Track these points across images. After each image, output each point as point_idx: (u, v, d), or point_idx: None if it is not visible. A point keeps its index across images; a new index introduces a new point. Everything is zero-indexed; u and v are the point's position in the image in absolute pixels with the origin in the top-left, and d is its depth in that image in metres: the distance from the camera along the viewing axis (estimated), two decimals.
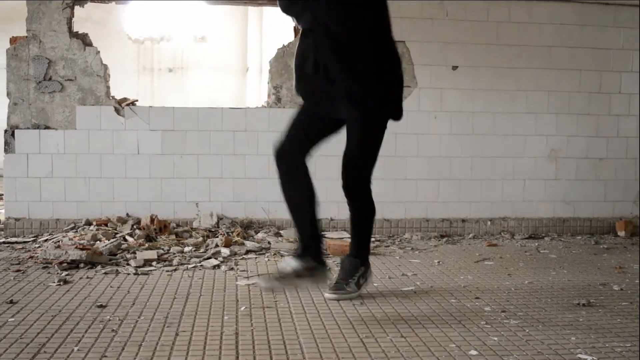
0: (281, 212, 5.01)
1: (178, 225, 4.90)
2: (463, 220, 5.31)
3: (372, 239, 4.81)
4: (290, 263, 2.93)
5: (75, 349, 2.44)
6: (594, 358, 2.42)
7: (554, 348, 2.53)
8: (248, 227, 4.97)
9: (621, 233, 5.39)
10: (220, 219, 4.96)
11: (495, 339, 2.63)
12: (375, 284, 3.53)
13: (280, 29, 6.90)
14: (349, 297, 3.16)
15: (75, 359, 2.33)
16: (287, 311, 2.98)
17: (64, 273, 3.66)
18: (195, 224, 4.94)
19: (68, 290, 3.30)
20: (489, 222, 5.34)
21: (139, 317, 2.86)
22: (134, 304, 3.08)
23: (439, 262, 4.19)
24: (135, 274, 3.70)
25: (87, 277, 3.59)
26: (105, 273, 3.69)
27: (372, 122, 3.08)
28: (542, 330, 2.76)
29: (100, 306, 3.02)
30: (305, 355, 2.40)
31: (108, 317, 2.86)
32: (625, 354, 2.47)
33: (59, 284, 3.41)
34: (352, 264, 3.23)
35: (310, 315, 2.93)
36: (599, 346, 2.56)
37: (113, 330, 2.66)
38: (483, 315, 2.98)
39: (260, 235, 4.80)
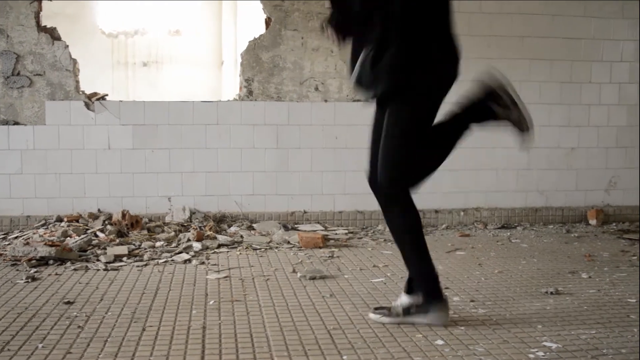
0: (254, 205, 5.04)
1: (150, 220, 4.87)
2: (436, 211, 5.33)
3: (345, 231, 4.83)
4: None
5: (40, 345, 2.42)
6: (559, 346, 2.44)
7: (520, 336, 2.55)
8: (221, 221, 4.95)
9: (593, 222, 5.43)
10: (193, 213, 4.94)
11: (462, 328, 2.65)
12: (345, 276, 3.54)
13: (253, 23, 6.86)
14: (389, 321, 2.70)
15: (40, 356, 2.31)
16: (256, 304, 2.98)
17: (33, 270, 3.62)
18: (167, 219, 4.92)
19: (36, 287, 3.27)
20: (462, 213, 5.36)
21: (106, 313, 2.84)
22: (101, 299, 3.06)
23: None
24: (104, 269, 3.67)
25: (56, 274, 3.56)
26: (75, 269, 3.67)
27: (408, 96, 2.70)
28: (509, 319, 2.78)
29: (68, 302, 2.99)
30: (271, 347, 2.40)
31: (75, 313, 2.84)
32: (590, 342, 2.49)
33: (27, 281, 3.38)
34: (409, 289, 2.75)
35: (278, 308, 2.92)
36: (564, 334, 2.58)
37: (79, 327, 2.64)
38: (451, 304, 2.98)
39: (233, 229, 4.79)
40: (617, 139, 5.59)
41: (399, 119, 2.70)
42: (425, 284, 2.71)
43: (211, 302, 3.01)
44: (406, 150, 2.71)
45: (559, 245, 4.56)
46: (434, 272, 2.73)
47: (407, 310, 2.69)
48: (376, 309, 2.79)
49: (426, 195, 5.29)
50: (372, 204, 5.18)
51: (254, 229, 4.82)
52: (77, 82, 4.88)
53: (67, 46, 4.85)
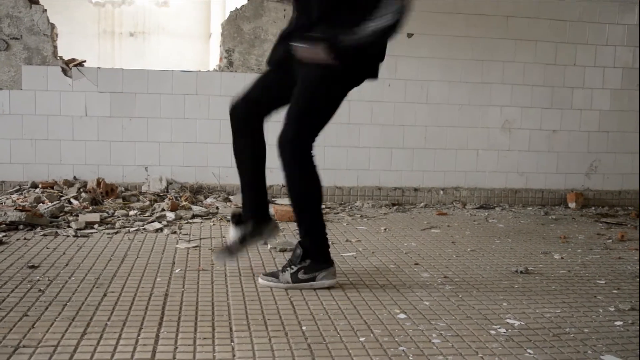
0: (232, 177, 4.98)
1: (127, 189, 4.82)
2: (415, 189, 5.31)
3: (322, 206, 4.79)
4: (232, 232, 2.91)
5: None
6: (522, 323, 2.42)
7: (483, 313, 2.53)
8: (198, 192, 4.91)
9: (572, 204, 5.43)
10: (170, 183, 4.90)
11: (427, 303, 2.63)
12: None
13: None
14: (276, 286, 2.75)
15: None
16: (222, 274, 2.95)
17: (2, 234, 3.58)
18: (144, 188, 4.87)
19: (2, 252, 3.23)
20: (441, 192, 5.34)
21: (69, 278, 2.80)
22: (67, 265, 3.02)
23: (385, 229, 4.18)
24: (74, 236, 3.63)
25: (25, 239, 3.52)
26: (44, 235, 3.63)
27: (333, 71, 2.65)
28: (476, 296, 2.76)
29: (32, 267, 2.96)
30: (231, 316, 2.37)
31: (38, 277, 2.80)
32: (553, 320, 2.47)
33: None
34: (296, 253, 2.78)
35: (244, 278, 2.90)
36: (529, 312, 2.57)
37: (40, 290, 2.61)
38: (419, 280, 2.97)
39: (209, 200, 4.75)
40: (599, 123, 5.58)
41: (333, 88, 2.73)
42: (316, 248, 2.77)
43: (177, 271, 2.98)
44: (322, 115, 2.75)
45: (535, 226, 4.55)
46: (325, 236, 2.80)
47: (295, 277, 2.74)
48: (265, 274, 2.84)
49: (406, 173, 5.31)
50: (350, 179, 5.20)
51: (230, 201, 4.78)
52: (55, 47, 4.80)
53: (45, 10, 4.77)
